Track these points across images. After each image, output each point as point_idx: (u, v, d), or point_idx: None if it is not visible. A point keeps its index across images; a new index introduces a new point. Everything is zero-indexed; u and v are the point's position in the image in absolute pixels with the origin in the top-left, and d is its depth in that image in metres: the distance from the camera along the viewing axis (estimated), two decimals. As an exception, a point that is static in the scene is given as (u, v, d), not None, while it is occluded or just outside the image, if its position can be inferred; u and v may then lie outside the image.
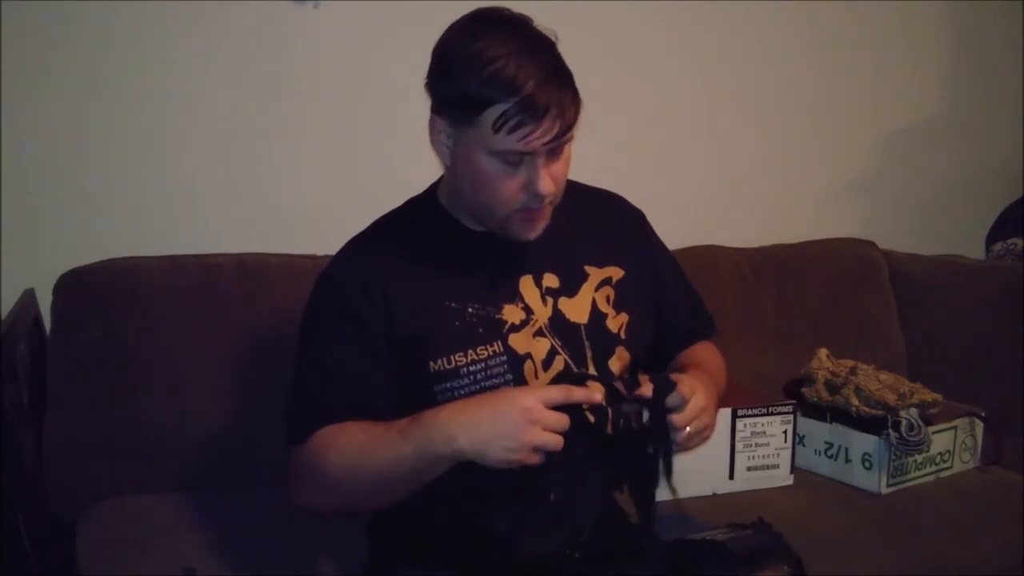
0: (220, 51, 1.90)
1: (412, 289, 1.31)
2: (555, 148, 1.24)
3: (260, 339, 1.76)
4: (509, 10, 1.27)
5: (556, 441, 1.14)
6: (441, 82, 1.26)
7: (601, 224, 1.46)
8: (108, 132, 1.85)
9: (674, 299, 1.54)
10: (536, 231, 1.31)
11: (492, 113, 1.19)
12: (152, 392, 1.71)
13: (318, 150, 2.01)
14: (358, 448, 1.22)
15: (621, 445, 1.29)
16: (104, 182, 1.86)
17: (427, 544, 1.34)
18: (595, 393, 1.19)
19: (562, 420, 1.14)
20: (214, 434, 1.72)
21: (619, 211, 1.52)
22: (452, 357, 1.28)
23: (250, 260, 1.84)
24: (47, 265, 1.74)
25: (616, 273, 1.41)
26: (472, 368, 1.29)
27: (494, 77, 1.18)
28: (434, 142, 1.29)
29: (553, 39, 1.26)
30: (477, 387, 1.28)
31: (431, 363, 1.28)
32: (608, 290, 1.40)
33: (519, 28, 1.24)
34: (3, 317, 1.69)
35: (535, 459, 1.15)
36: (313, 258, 1.84)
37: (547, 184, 1.24)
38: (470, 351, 1.29)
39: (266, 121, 1.96)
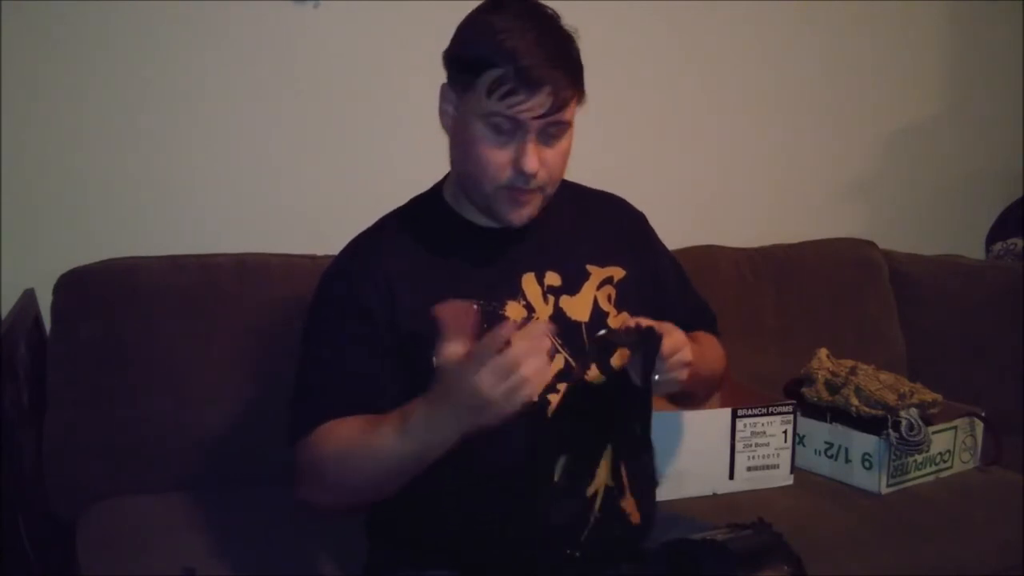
0: (220, 51, 1.90)
1: (417, 285, 1.31)
2: (549, 131, 1.25)
3: (260, 339, 1.76)
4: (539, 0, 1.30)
5: (541, 367, 1.07)
6: (452, 48, 1.29)
7: (603, 224, 1.46)
8: (108, 132, 1.85)
9: (676, 300, 1.55)
10: (522, 216, 1.31)
11: (488, 76, 1.22)
12: (152, 392, 1.71)
13: (318, 150, 2.01)
14: (354, 447, 1.21)
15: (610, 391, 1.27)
16: (104, 182, 1.86)
17: (427, 544, 1.34)
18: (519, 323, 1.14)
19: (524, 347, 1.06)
20: (214, 434, 1.72)
21: (621, 213, 1.52)
22: None
23: (250, 260, 1.83)
24: (47, 265, 1.74)
25: (617, 273, 1.42)
26: None
27: (498, 43, 1.21)
28: (440, 112, 1.32)
29: (573, 34, 1.28)
30: None
31: (434, 358, 1.28)
32: (609, 289, 1.40)
33: (539, 12, 1.27)
34: (3, 317, 1.69)
35: (535, 394, 1.08)
36: (313, 258, 1.84)
37: (533, 162, 1.25)
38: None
39: (266, 121, 1.96)
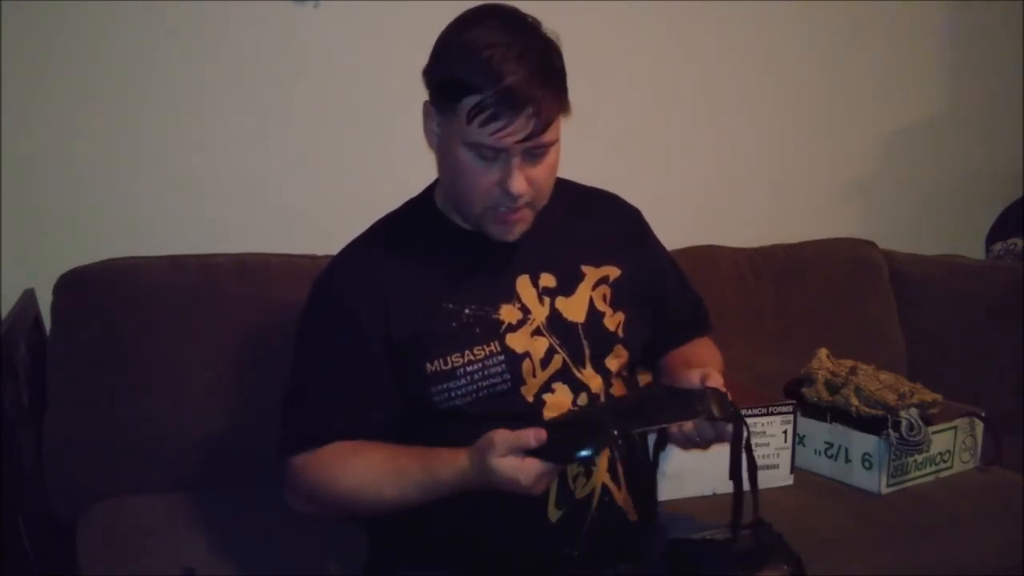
0: (220, 51, 1.90)
1: (410, 291, 1.31)
2: (533, 151, 1.23)
3: (260, 339, 1.76)
4: (517, 9, 1.27)
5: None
6: (432, 67, 1.26)
7: (598, 223, 1.46)
8: (108, 132, 1.85)
9: (674, 295, 1.55)
10: (512, 233, 1.30)
11: (468, 102, 1.18)
12: (152, 392, 1.71)
13: (318, 150, 2.01)
14: (370, 485, 1.26)
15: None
16: (104, 182, 1.86)
17: (427, 544, 1.35)
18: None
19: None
20: (214, 434, 1.72)
21: (616, 210, 1.52)
22: (449, 358, 1.28)
23: (250, 260, 1.83)
24: (47, 265, 1.74)
25: (613, 272, 1.41)
26: (469, 368, 1.29)
27: (476, 65, 1.17)
28: (425, 130, 1.30)
29: (556, 41, 1.25)
30: (474, 387, 1.29)
31: (427, 364, 1.28)
32: (605, 289, 1.40)
33: (518, 24, 1.23)
34: (3, 317, 1.69)
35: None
36: (313, 258, 1.84)
37: (519, 184, 1.23)
38: (467, 352, 1.29)
39: (266, 121, 1.96)
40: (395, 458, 1.25)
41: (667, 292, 1.53)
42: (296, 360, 1.35)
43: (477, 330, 1.30)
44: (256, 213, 1.98)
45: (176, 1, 1.84)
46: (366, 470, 1.26)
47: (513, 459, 1.14)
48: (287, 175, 2.00)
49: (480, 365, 1.29)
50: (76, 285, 1.72)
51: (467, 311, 1.31)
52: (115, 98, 1.85)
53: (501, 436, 1.15)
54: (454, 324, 1.30)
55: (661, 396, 1.31)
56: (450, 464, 1.20)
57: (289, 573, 1.48)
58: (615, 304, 1.40)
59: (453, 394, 1.28)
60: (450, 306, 1.31)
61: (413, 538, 1.36)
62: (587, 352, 1.35)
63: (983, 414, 1.92)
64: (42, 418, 1.68)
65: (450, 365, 1.28)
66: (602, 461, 1.34)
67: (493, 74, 1.16)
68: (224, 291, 1.78)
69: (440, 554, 1.34)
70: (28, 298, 1.77)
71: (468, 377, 1.28)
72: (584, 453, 1.16)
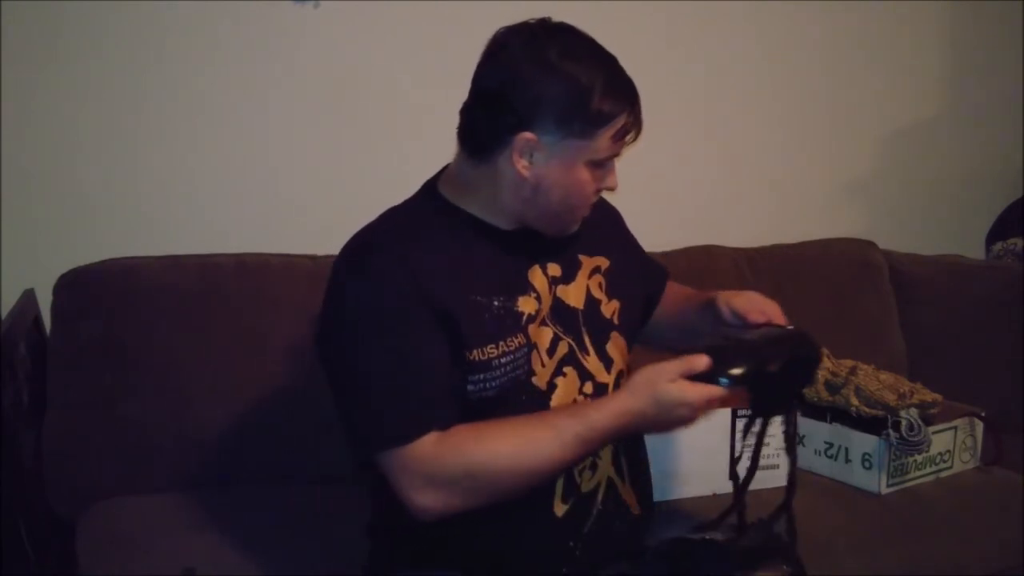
0: (220, 51, 1.90)
1: (443, 285, 1.28)
2: None
3: (260, 339, 1.76)
4: (565, 23, 1.33)
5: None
6: (551, 101, 1.25)
7: (588, 217, 1.47)
8: (108, 132, 1.85)
9: (651, 278, 1.61)
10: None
11: (614, 125, 1.27)
12: (152, 392, 1.71)
13: (318, 150, 2.01)
14: (528, 446, 1.24)
15: None
16: (104, 182, 1.87)
17: (427, 544, 1.34)
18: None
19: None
20: (214, 434, 1.72)
21: (601, 207, 1.52)
22: (486, 349, 1.28)
23: (250, 260, 1.83)
24: (47, 265, 1.74)
25: (603, 262, 1.45)
26: (503, 360, 1.28)
27: (614, 95, 1.27)
28: (516, 165, 1.27)
29: None
30: (505, 379, 1.28)
31: (467, 354, 1.27)
32: (599, 277, 1.43)
33: (591, 40, 1.32)
34: (3, 317, 1.69)
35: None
36: (313, 258, 1.84)
37: (616, 180, 1.34)
38: (501, 343, 1.29)
39: (266, 121, 1.96)
40: (541, 419, 1.27)
41: (649, 286, 1.58)
42: (358, 363, 1.27)
43: (507, 322, 1.31)
44: (256, 213, 1.98)
45: (176, 1, 1.84)
46: (518, 436, 1.24)
47: (683, 383, 1.22)
48: (287, 175, 2.00)
49: (512, 356, 1.29)
50: (76, 285, 1.72)
51: (496, 303, 1.31)
52: (115, 98, 1.85)
53: (665, 364, 1.22)
54: (486, 316, 1.29)
55: (766, 336, 1.39)
56: (606, 408, 1.24)
57: (289, 573, 1.48)
58: (610, 292, 1.43)
59: (488, 385, 1.27)
60: (479, 298, 1.30)
61: (413, 538, 1.36)
62: (587, 339, 1.37)
63: (983, 414, 1.92)
64: (42, 418, 1.68)
65: (487, 356, 1.27)
66: (606, 453, 1.35)
67: (627, 99, 1.29)
68: (224, 291, 1.78)
69: (441, 553, 1.33)
70: (28, 298, 1.77)
71: (502, 368, 1.28)
72: (737, 371, 1.25)
